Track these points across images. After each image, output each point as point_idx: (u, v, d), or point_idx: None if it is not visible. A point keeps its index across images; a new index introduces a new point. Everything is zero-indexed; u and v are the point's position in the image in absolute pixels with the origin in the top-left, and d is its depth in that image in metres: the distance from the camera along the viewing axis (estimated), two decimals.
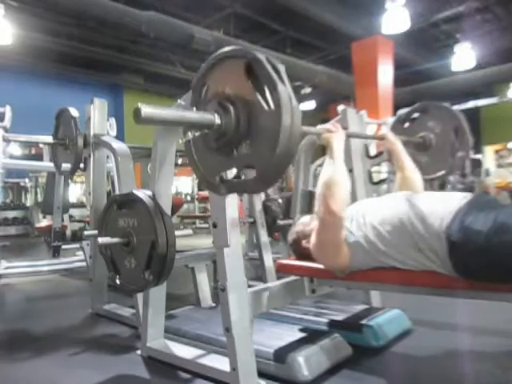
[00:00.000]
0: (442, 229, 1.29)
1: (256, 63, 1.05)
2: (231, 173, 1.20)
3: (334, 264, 1.52)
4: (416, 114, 2.38)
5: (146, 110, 0.98)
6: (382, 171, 3.93)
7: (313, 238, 1.55)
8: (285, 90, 1.01)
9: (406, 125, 2.42)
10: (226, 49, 1.15)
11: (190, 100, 1.27)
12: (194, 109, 1.23)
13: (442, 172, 2.28)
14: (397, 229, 1.40)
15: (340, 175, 1.49)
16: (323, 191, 1.46)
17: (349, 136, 1.87)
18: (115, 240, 1.69)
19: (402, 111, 3.93)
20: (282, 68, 1.03)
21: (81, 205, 8.30)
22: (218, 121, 1.10)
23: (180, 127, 1.86)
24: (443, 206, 1.34)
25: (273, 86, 1.01)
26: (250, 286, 1.61)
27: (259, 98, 1.05)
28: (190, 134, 1.25)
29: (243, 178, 1.17)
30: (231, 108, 1.09)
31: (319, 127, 1.66)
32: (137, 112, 0.97)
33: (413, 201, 1.45)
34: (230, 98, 1.11)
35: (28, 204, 10.05)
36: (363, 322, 1.99)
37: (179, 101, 1.63)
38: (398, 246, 1.39)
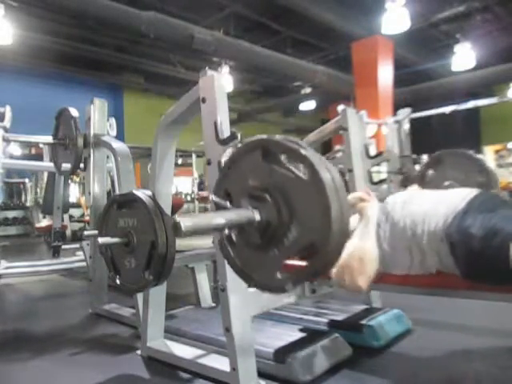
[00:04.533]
0: (444, 228, 1.29)
1: (270, 144, 0.99)
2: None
3: None
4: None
5: (186, 224, 0.91)
6: (381, 171, 3.93)
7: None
8: (310, 152, 0.93)
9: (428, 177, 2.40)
10: (237, 150, 1.11)
11: (215, 207, 1.13)
12: (228, 204, 1.10)
13: None
14: (401, 230, 1.40)
15: (374, 250, 1.44)
16: (354, 264, 1.38)
17: None
18: (115, 240, 1.69)
19: (403, 111, 3.92)
20: (295, 138, 0.97)
21: (79, 205, 8.28)
22: (257, 216, 1.00)
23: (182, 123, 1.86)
24: (446, 205, 1.34)
25: (295, 153, 0.94)
26: None
27: (289, 174, 0.96)
28: (226, 231, 1.10)
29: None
30: (266, 196, 0.99)
31: (351, 197, 1.60)
32: (177, 227, 0.91)
33: (416, 200, 1.45)
34: (259, 187, 1.02)
35: (28, 204, 10.04)
36: (363, 322, 1.99)
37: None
38: (403, 248, 1.40)
